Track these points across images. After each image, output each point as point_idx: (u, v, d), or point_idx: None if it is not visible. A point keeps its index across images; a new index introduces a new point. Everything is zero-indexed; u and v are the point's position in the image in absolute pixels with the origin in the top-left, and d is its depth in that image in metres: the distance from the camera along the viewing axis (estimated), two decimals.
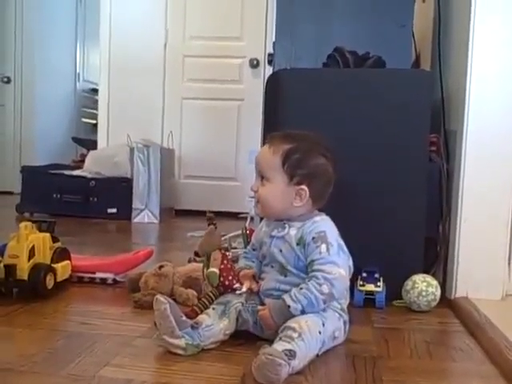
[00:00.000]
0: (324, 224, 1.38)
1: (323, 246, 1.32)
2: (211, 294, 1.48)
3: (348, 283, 1.39)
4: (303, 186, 1.36)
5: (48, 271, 1.70)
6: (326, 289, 1.28)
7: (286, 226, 1.39)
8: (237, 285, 1.41)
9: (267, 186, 1.39)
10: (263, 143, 1.87)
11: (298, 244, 1.35)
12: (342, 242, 1.38)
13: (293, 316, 1.27)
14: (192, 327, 1.28)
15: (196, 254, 1.46)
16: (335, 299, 1.34)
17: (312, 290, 1.28)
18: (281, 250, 1.38)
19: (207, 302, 1.47)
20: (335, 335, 1.34)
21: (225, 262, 1.44)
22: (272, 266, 1.40)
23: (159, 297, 1.28)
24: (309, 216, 1.39)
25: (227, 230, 2.32)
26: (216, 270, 1.40)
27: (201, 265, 1.58)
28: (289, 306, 1.27)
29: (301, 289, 1.29)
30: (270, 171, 1.38)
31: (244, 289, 1.40)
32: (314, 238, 1.34)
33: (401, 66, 2.05)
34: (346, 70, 1.89)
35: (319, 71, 1.91)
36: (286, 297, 1.29)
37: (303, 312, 1.27)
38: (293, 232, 1.37)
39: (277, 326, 1.27)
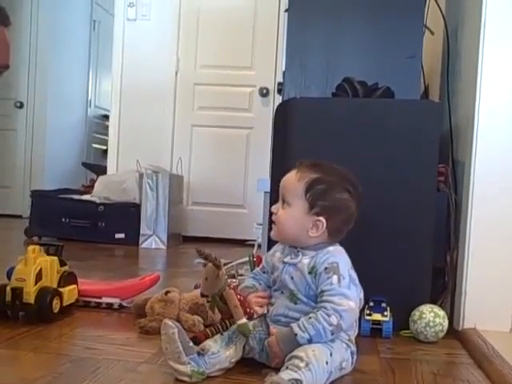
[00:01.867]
0: (337, 255, 1.37)
1: (335, 278, 1.32)
2: (227, 322, 1.47)
3: (357, 315, 1.38)
4: (321, 218, 1.36)
5: (54, 295, 1.70)
6: (334, 320, 1.28)
7: (300, 253, 1.39)
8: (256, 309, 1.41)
9: (287, 210, 1.39)
10: (272, 169, 1.90)
11: (310, 273, 1.35)
12: (355, 274, 1.37)
13: (299, 345, 1.26)
14: (198, 354, 1.27)
15: (202, 295, 1.45)
16: (343, 331, 1.33)
17: (320, 320, 1.27)
18: (292, 278, 1.37)
19: (221, 328, 1.46)
20: (342, 366, 1.33)
21: (238, 296, 1.43)
22: (282, 292, 1.39)
23: (168, 321, 1.27)
24: (323, 245, 1.39)
25: (234, 258, 2.32)
26: (244, 320, 1.38)
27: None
28: (296, 335, 1.26)
29: (309, 318, 1.28)
30: (293, 196, 1.38)
31: (260, 311, 1.40)
32: (326, 269, 1.33)
33: (409, 97, 2.05)
34: (356, 99, 1.91)
35: (328, 101, 1.92)
36: (293, 325, 1.28)
37: (310, 342, 1.26)
38: (306, 261, 1.37)
39: (283, 354, 1.26)
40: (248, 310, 1.38)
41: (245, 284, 1.49)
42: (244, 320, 1.34)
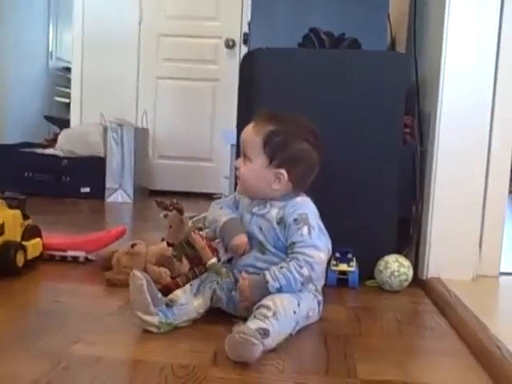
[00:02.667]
0: (305, 205, 1.38)
1: (305, 229, 1.32)
2: (196, 270, 1.48)
3: (325, 266, 1.40)
4: (282, 170, 1.35)
5: (18, 249, 1.67)
6: (305, 272, 1.29)
7: (268, 204, 1.38)
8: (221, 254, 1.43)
9: (248, 165, 1.38)
10: (238, 121, 1.87)
11: (278, 223, 1.35)
12: (322, 225, 1.37)
13: (269, 293, 1.27)
14: (167, 305, 1.28)
15: (168, 243, 1.44)
16: (312, 282, 1.35)
17: (292, 270, 1.28)
18: (261, 228, 1.37)
19: (191, 277, 1.47)
20: (309, 315, 1.35)
21: (204, 241, 1.43)
22: (250, 243, 1.39)
23: (136, 272, 1.26)
24: (291, 196, 1.39)
25: (201, 211, 2.30)
26: (214, 260, 1.38)
27: None
28: (267, 282, 1.27)
29: (281, 268, 1.29)
30: (252, 151, 1.37)
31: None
32: (295, 220, 1.33)
33: (376, 48, 2.03)
34: (322, 50, 1.88)
35: (295, 51, 1.89)
36: (266, 273, 1.29)
37: (280, 291, 1.27)
38: (274, 211, 1.37)
39: (252, 299, 1.27)
40: (214, 252, 1.39)
41: (224, 214, 1.43)
42: (214, 260, 1.36)
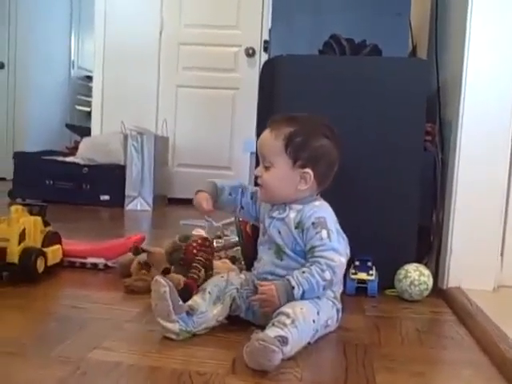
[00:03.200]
0: (324, 210, 1.37)
1: (324, 232, 1.31)
2: (198, 265, 1.50)
3: (344, 271, 1.38)
4: (307, 170, 1.35)
5: (39, 255, 1.68)
6: (328, 275, 1.28)
7: (287, 208, 1.38)
8: None
9: (271, 170, 1.37)
10: (257, 130, 1.87)
11: (296, 228, 1.35)
12: (340, 229, 1.37)
13: (293, 299, 1.26)
14: (187, 313, 1.27)
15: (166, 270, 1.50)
16: (333, 286, 1.34)
17: (315, 274, 1.27)
18: (279, 232, 1.37)
19: (199, 267, 1.50)
20: (328, 323, 1.34)
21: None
22: (269, 248, 1.39)
23: (159, 278, 1.26)
24: (309, 200, 1.38)
25: (220, 219, 2.30)
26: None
27: None
28: (293, 288, 1.26)
29: (303, 272, 1.28)
30: (273, 156, 1.36)
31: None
32: (313, 224, 1.33)
33: (397, 55, 2.03)
34: (343, 57, 1.88)
35: (315, 58, 1.89)
36: (290, 278, 1.27)
37: (303, 296, 1.27)
38: (292, 215, 1.36)
39: (279, 306, 1.25)
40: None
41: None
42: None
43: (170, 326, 1.24)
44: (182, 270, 1.55)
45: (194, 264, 1.50)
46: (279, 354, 1.10)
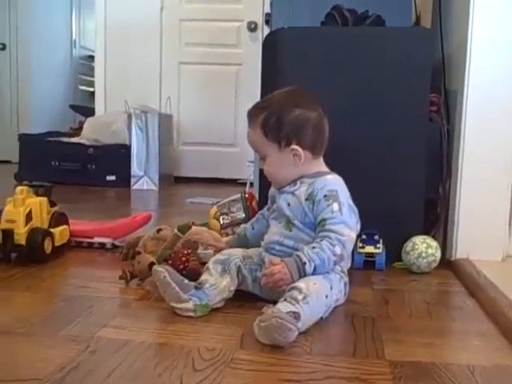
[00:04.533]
0: (336, 183, 1.36)
1: (335, 205, 1.31)
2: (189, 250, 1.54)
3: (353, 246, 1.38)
4: (293, 146, 1.35)
5: (46, 236, 1.68)
6: (338, 250, 1.27)
7: (298, 182, 1.38)
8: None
9: (267, 161, 1.40)
10: None
11: (306, 199, 1.34)
12: (353, 204, 1.36)
13: (305, 275, 1.25)
14: (196, 288, 1.28)
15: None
16: (343, 260, 1.34)
17: (325, 249, 1.26)
18: (289, 204, 1.36)
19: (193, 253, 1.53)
20: (338, 297, 1.33)
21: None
22: (279, 222, 1.39)
23: (156, 267, 1.28)
24: (321, 173, 1.38)
25: (226, 197, 2.30)
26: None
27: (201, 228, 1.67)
28: (304, 263, 1.25)
29: (313, 248, 1.27)
30: (261, 147, 1.40)
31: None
32: (325, 196, 1.32)
33: (401, 25, 2.00)
34: (345, 28, 1.85)
35: (318, 30, 1.87)
36: (300, 254, 1.26)
37: (314, 271, 1.26)
38: (303, 188, 1.36)
39: (291, 281, 1.24)
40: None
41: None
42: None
43: (183, 305, 1.24)
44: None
45: (191, 254, 1.51)
46: (295, 331, 1.10)
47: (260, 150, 1.41)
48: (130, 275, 1.50)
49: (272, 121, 1.35)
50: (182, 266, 1.47)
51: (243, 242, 1.55)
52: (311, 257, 1.26)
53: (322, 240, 1.28)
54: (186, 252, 1.51)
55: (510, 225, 1.82)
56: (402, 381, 0.98)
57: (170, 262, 1.49)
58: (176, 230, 1.63)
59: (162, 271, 1.25)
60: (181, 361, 1.03)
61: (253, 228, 1.56)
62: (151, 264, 1.46)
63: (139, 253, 1.58)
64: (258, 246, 1.45)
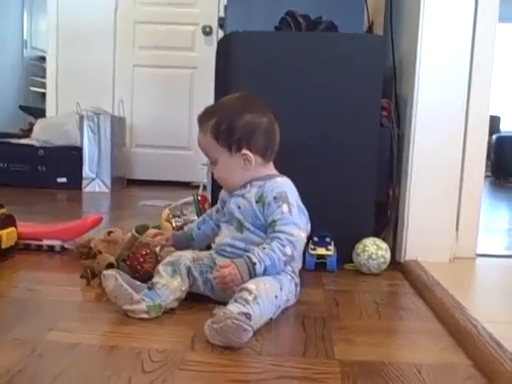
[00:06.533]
0: (285, 185, 1.38)
1: (285, 207, 1.32)
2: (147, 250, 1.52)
3: (304, 246, 1.39)
4: (244, 151, 1.36)
5: None
6: (288, 250, 1.28)
7: (248, 185, 1.39)
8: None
9: (218, 166, 1.40)
10: None
11: (257, 202, 1.35)
12: (302, 205, 1.37)
13: (255, 275, 1.25)
14: (149, 288, 1.27)
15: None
16: (293, 261, 1.35)
17: (276, 250, 1.27)
18: (239, 207, 1.37)
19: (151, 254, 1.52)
20: (288, 298, 1.34)
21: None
22: (231, 224, 1.39)
23: (106, 272, 1.26)
24: (270, 176, 1.39)
25: (178, 200, 2.29)
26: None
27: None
28: (254, 264, 1.25)
29: (264, 248, 1.28)
30: (212, 152, 1.40)
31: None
32: (275, 198, 1.33)
33: (353, 32, 2.02)
34: (298, 33, 1.87)
35: (271, 34, 1.88)
36: (250, 255, 1.27)
37: (265, 272, 1.26)
38: (254, 190, 1.37)
39: (242, 282, 1.24)
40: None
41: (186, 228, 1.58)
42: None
43: (137, 307, 1.23)
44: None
45: (149, 255, 1.50)
46: (250, 332, 1.10)
47: (210, 154, 1.41)
48: (91, 274, 1.48)
49: (223, 126, 1.35)
50: (139, 267, 1.46)
51: (187, 240, 1.56)
52: (261, 257, 1.26)
53: (272, 241, 1.29)
54: (144, 252, 1.50)
55: (457, 227, 1.87)
56: (352, 380, 0.99)
57: (127, 262, 1.48)
58: (134, 231, 1.61)
59: (113, 274, 1.24)
60: (130, 363, 1.02)
61: (199, 228, 1.56)
62: (109, 265, 1.45)
63: (100, 252, 1.57)
64: (203, 249, 1.46)
